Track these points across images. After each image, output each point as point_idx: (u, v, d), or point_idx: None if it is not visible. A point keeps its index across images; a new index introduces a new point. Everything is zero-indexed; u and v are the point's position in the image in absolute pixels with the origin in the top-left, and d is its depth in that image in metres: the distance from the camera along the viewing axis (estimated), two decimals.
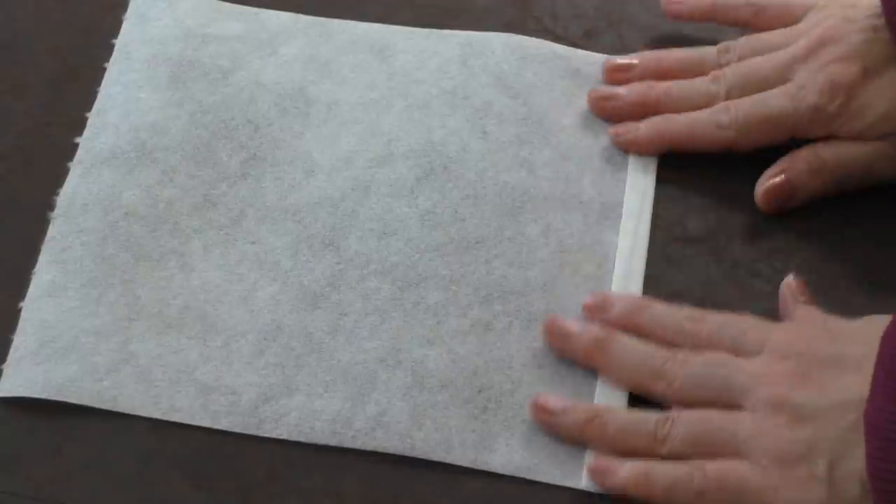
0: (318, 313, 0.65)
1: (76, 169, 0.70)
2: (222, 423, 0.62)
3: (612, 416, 0.61)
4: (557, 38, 0.75)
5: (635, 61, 0.72)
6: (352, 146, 0.71)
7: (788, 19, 0.70)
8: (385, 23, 0.76)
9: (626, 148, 0.70)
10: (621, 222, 0.68)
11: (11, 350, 0.64)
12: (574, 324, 0.64)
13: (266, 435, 0.62)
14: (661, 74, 0.71)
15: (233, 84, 0.73)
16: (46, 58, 0.75)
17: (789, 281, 0.64)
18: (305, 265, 0.67)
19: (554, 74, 0.73)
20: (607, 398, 0.62)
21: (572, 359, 0.63)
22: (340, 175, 0.70)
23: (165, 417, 0.62)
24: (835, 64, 0.66)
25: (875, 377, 0.53)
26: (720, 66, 0.70)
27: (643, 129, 0.70)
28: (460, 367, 0.63)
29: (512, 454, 0.61)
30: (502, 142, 0.70)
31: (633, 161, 0.70)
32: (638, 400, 0.62)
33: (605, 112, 0.71)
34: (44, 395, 0.62)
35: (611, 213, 0.68)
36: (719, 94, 0.69)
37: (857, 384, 0.55)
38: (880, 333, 0.55)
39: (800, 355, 0.59)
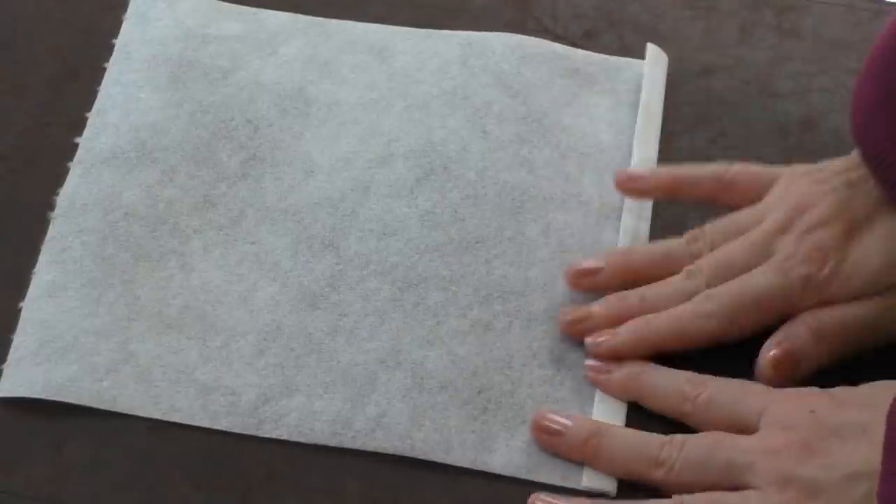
0: (318, 314, 0.65)
1: (76, 169, 0.70)
2: (222, 424, 0.62)
3: (611, 437, 0.60)
4: (557, 38, 0.75)
5: (601, 265, 0.66)
6: (351, 146, 0.71)
7: (755, 192, 0.66)
8: (385, 23, 0.76)
9: (608, 357, 0.64)
10: (621, 221, 0.68)
11: (11, 350, 0.64)
12: (562, 420, 0.61)
13: (266, 435, 0.62)
14: (631, 275, 0.65)
15: (232, 84, 0.73)
16: (46, 58, 0.75)
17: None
18: (305, 265, 0.67)
19: (554, 73, 0.73)
20: (606, 410, 0.62)
21: (566, 457, 0.61)
22: (340, 175, 0.70)
23: (165, 418, 0.62)
24: (816, 230, 0.63)
25: (885, 460, 0.52)
26: (692, 257, 0.65)
27: (623, 335, 0.63)
28: (460, 368, 0.63)
29: (511, 455, 0.61)
30: (502, 141, 0.70)
31: (634, 160, 0.70)
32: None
33: (580, 334, 0.64)
34: (44, 396, 0.62)
35: (611, 212, 0.68)
36: (699, 290, 0.64)
37: (864, 453, 0.54)
38: (885, 399, 0.53)
39: (802, 426, 0.58)
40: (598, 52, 0.75)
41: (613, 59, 0.75)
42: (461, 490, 0.61)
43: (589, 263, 0.66)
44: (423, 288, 0.66)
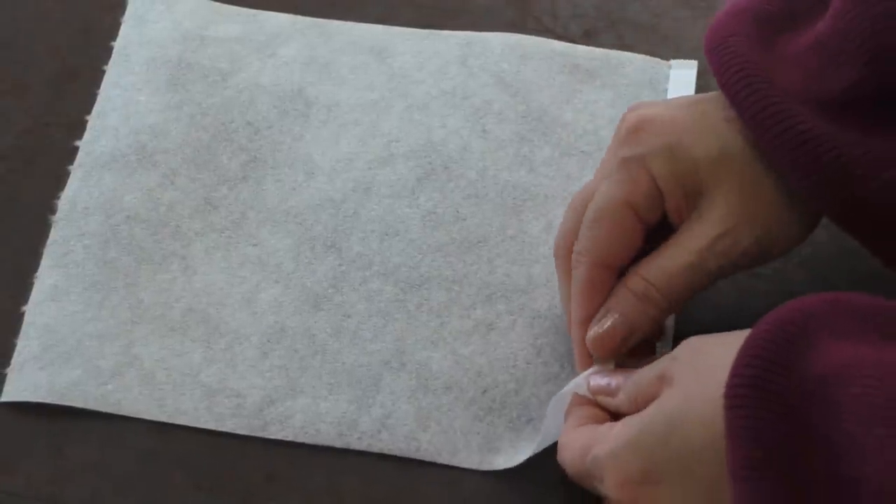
0: (322, 315, 0.65)
1: (77, 172, 0.70)
2: (227, 426, 0.62)
3: None
4: (557, 38, 0.75)
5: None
6: (352, 147, 0.71)
7: None
8: (385, 23, 0.76)
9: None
10: None
11: (15, 354, 0.64)
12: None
13: (271, 437, 0.62)
14: None
15: (232, 86, 0.73)
16: (46, 58, 0.75)
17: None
18: (307, 267, 0.67)
19: (553, 70, 0.73)
20: None
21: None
22: (341, 176, 0.70)
23: (170, 420, 0.62)
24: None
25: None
26: None
27: None
28: (464, 368, 0.63)
29: (517, 455, 0.61)
30: (502, 140, 0.70)
31: None
32: None
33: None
34: (48, 400, 0.62)
35: None
36: None
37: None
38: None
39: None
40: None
41: (614, 53, 0.74)
42: (462, 490, 0.61)
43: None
44: (426, 288, 0.66)
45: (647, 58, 0.74)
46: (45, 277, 0.66)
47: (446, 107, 0.72)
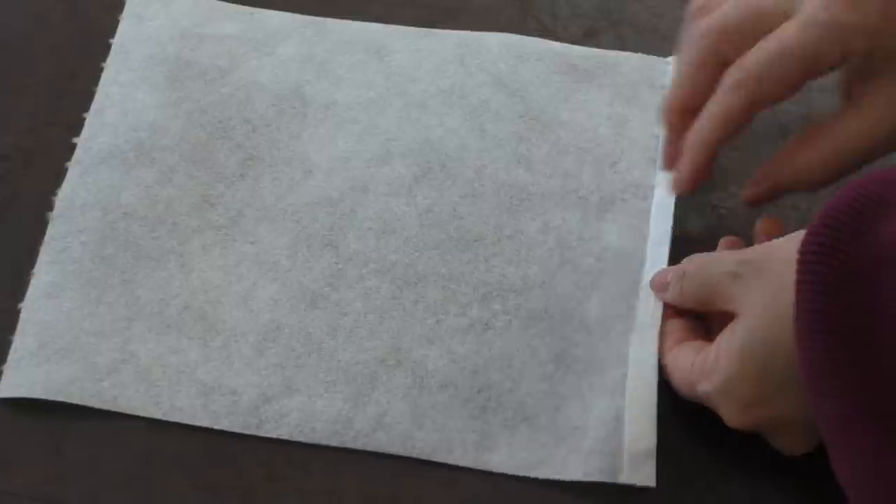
0: (318, 313, 0.65)
1: (74, 169, 0.69)
2: (223, 424, 0.62)
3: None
4: (557, 38, 0.75)
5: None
6: (349, 146, 0.71)
7: None
8: (385, 23, 0.76)
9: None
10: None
11: (11, 351, 0.64)
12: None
13: (266, 435, 0.62)
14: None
15: (230, 84, 0.73)
16: (46, 58, 0.75)
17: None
18: (304, 265, 0.67)
19: (551, 70, 0.73)
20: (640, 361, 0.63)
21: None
22: (338, 175, 0.70)
23: (166, 417, 0.62)
24: None
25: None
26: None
27: (683, 161, 0.64)
28: (460, 367, 0.63)
29: (513, 453, 0.61)
30: (500, 139, 0.70)
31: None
32: None
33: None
34: (44, 396, 0.62)
35: (610, 206, 0.69)
36: None
37: None
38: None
39: None
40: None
41: (612, 53, 0.75)
42: (461, 490, 0.61)
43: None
44: (423, 286, 0.66)
45: (645, 56, 0.74)
46: (42, 274, 0.66)
47: (444, 106, 0.72)
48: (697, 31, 0.62)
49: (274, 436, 0.62)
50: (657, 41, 0.75)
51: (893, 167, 0.52)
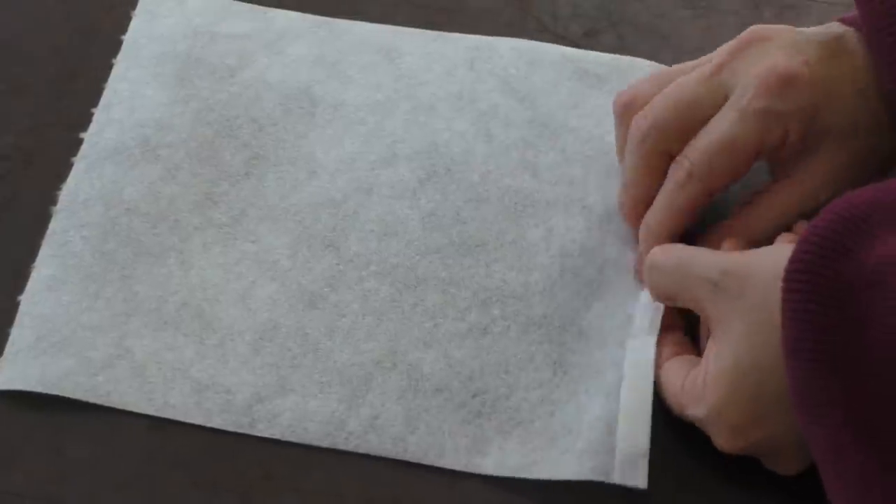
0: (316, 314, 0.65)
1: (80, 164, 0.70)
2: (215, 422, 0.62)
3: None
4: (557, 38, 0.75)
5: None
6: (356, 147, 0.71)
7: None
8: (385, 22, 0.76)
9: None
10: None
11: (8, 344, 0.64)
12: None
13: (259, 434, 0.61)
14: None
15: (239, 82, 0.73)
16: (46, 58, 0.75)
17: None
18: (304, 265, 0.66)
19: (561, 76, 0.73)
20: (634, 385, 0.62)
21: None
22: (343, 176, 0.69)
23: (159, 414, 0.62)
24: (775, 54, 0.61)
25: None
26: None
27: (640, 246, 0.65)
28: (456, 371, 0.63)
29: (505, 459, 0.61)
30: (507, 145, 0.70)
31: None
32: None
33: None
34: (39, 389, 0.62)
35: (614, 216, 0.68)
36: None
37: None
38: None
39: None
40: (599, 51, 0.75)
41: (625, 59, 0.74)
42: (459, 490, 0.60)
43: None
44: (422, 289, 0.66)
45: (656, 64, 0.74)
46: (43, 267, 0.66)
47: (452, 110, 0.71)
48: (637, 133, 0.64)
49: (266, 435, 0.61)
50: (657, 41, 0.75)
51: (879, 185, 0.52)
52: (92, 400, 0.62)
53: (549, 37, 0.75)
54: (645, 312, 0.64)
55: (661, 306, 0.63)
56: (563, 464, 0.60)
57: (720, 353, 0.56)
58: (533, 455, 0.61)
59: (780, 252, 0.53)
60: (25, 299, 0.65)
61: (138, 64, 0.74)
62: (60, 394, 0.62)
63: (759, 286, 0.55)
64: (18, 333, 0.64)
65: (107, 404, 0.62)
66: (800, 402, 0.51)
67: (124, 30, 0.75)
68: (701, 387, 0.57)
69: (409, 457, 0.61)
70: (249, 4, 0.77)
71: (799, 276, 0.50)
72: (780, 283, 0.51)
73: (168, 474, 0.61)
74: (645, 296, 0.64)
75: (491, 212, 0.68)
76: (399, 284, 0.66)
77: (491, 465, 0.61)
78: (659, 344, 0.62)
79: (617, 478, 0.59)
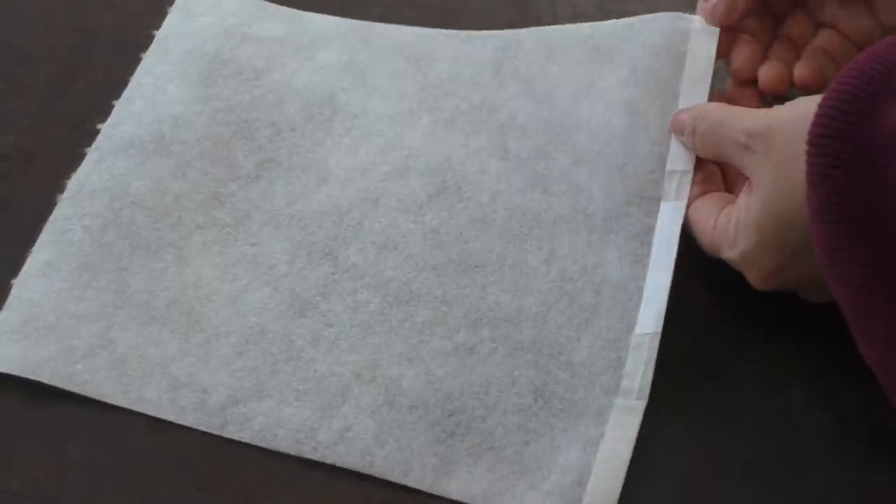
0: (304, 321, 0.65)
1: (92, 155, 0.70)
2: (187, 420, 0.62)
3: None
4: None
5: None
6: (370, 157, 0.70)
7: None
8: (385, 22, 0.75)
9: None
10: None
11: None
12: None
13: (228, 437, 0.61)
14: None
15: (263, 85, 0.73)
16: (46, 58, 0.76)
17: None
18: (300, 272, 0.66)
19: (575, 61, 0.72)
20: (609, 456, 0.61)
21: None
22: (352, 185, 0.69)
23: (133, 407, 0.62)
24: None
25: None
26: None
27: None
28: (434, 389, 0.62)
29: (471, 483, 0.60)
30: (521, 159, 0.69)
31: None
32: None
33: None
34: (18, 373, 0.63)
35: (615, 223, 0.67)
36: None
37: None
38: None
39: None
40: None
41: (636, 22, 0.73)
42: None
43: None
44: (413, 305, 0.65)
45: (668, 15, 0.72)
46: (40, 253, 0.67)
47: (471, 123, 0.71)
48: None
49: (236, 438, 0.61)
50: None
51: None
52: (68, 388, 0.62)
53: None
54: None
55: (690, 172, 0.66)
56: (527, 501, 0.59)
57: (750, 204, 0.59)
58: (499, 485, 0.60)
59: (802, 108, 0.56)
60: (18, 283, 0.66)
61: (166, 60, 0.74)
62: (38, 379, 0.62)
63: (783, 144, 0.57)
64: (6, 316, 0.65)
65: (82, 393, 0.62)
66: (827, 259, 0.53)
67: (124, 30, 0.76)
68: (733, 233, 0.60)
69: (374, 471, 0.60)
70: (285, 7, 0.77)
71: (823, 140, 0.52)
72: (804, 141, 0.53)
73: (167, 474, 0.61)
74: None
75: (495, 233, 0.67)
76: (391, 298, 0.65)
77: (455, 489, 0.60)
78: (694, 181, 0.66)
79: None
